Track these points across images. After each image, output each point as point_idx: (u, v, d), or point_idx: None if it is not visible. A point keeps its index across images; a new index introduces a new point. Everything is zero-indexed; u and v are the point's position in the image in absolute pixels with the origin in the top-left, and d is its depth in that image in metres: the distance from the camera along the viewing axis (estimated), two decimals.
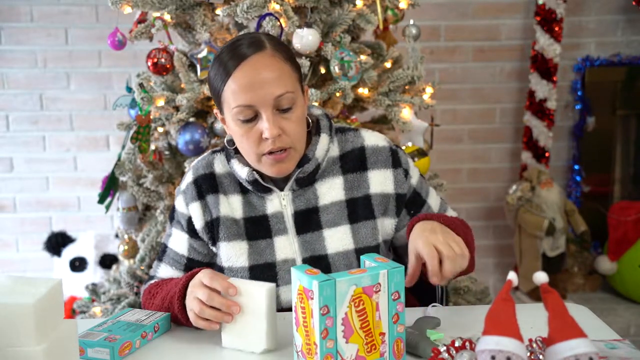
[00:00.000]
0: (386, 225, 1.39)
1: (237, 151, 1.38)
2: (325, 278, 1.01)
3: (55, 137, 3.18)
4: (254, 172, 1.34)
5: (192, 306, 1.20)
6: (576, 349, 0.84)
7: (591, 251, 3.17)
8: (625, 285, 2.98)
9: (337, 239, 1.36)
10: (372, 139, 1.41)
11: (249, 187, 1.37)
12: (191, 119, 2.02)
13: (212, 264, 1.43)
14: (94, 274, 2.90)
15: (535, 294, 2.99)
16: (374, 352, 1.06)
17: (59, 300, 1.03)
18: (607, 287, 3.12)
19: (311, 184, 1.38)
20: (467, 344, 1.02)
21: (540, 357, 1.01)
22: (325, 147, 1.37)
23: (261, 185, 1.36)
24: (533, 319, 1.08)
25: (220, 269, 1.39)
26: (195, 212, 1.39)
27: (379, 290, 1.05)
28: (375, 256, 1.12)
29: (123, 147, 2.18)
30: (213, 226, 1.39)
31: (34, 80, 3.13)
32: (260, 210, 1.38)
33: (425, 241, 1.19)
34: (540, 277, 0.88)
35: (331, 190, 1.38)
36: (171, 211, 1.46)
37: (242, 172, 1.36)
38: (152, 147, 2.12)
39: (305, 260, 1.36)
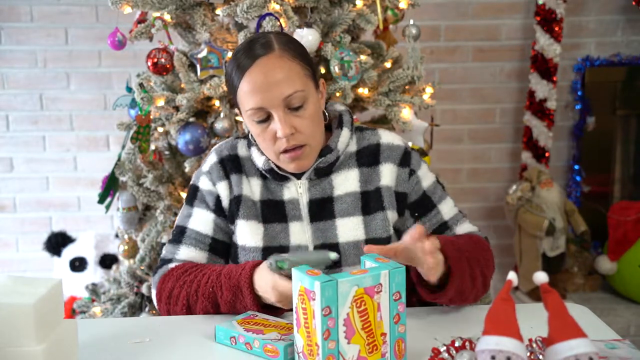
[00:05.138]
0: (391, 218, 1.43)
1: None
2: (327, 279, 1.01)
3: (55, 137, 3.18)
4: (270, 161, 1.39)
5: (275, 300, 1.22)
6: (576, 349, 0.84)
7: (591, 251, 3.17)
8: (625, 285, 2.98)
9: (349, 228, 1.39)
10: (389, 137, 1.46)
11: (267, 175, 1.42)
12: (191, 119, 2.02)
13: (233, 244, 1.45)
14: (94, 274, 2.90)
15: (535, 294, 2.99)
16: (376, 352, 1.06)
17: (59, 300, 1.03)
18: (607, 287, 3.12)
19: (327, 175, 1.42)
20: (467, 344, 1.02)
21: (540, 357, 1.01)
22: (346, 141, 1.42)
23: (278, 174, 1.40)
24: (533, 319, 1.08)
25: (235, 247, 1.43)
26: (223, 191, 1.43)
27: (380, 291, 1.05)
28: (376, 256, 1.12)
29: (123, 147, 2.18)
30: (235, 204, 1.42)
31: (34, 80, 3.13)
32: (278, 195, 1.42)
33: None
34: (540, 277, 0.88)
35: (346, 182, 1.42)
36: (191, 192, 1.47)
37: (259, 161, 1.41)
38: (152, 147, 2.12)
39: (316, 247, 1.39)
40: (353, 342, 1.04)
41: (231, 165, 1.44)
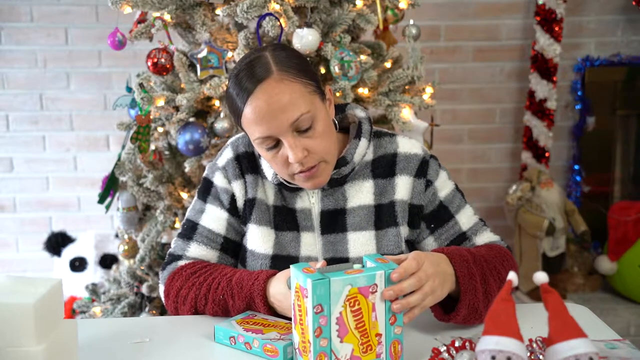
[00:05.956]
0: (403, 234, 1.38)
1: None
2: (319, 277, 1.01)
3: (55, 137, 3.19)
4: (278, 175, 1.35)
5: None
6: (576, 349, 0.83)
7: (591, 251, 3.17)
8: (625, 285, 2.98)
9: (361, 243, 1.35)
10: (407, 146, 1.39)
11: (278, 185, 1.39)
12: (191, 119, 2.02)
13: (242, 246, 1.42)
14: (94, 274, 2.90)
15: (535, 294, 2.99)
16: (370, 352, 1.06)
17: (59, 300, 1.03)
18: (607, 287, 3.12)
19: (341, 185, 1.38)
20: (467, 344, 1.02)
21: (540, 357, 1.01)
22: (363, 152, 1.36)
23: (289, 187, 1.37)
24: (533, 319, 1.08)
25: (244, 249, 1.40)
26: (238, 191, 1.39)
27: (375, 291, 1.04)
28: (377, 256, 1.11)
29: (123, 147, 2.18)
30: (248, 206, 1.39)
31: (34, 80, 3.14)
32: (290, 203, 1.39)
33: (418, 260, 1.12)
34: (540, 277, 0.88)
35: (360, 193, 1.38)
36: (205, 186, 1.43)
37: (268, 174, 1.37)
38: (152, 147, 2.12)
39: (326, 261, 1.35)
40: (346, 340, 1.04)
41: (247, 164, 1.40)
